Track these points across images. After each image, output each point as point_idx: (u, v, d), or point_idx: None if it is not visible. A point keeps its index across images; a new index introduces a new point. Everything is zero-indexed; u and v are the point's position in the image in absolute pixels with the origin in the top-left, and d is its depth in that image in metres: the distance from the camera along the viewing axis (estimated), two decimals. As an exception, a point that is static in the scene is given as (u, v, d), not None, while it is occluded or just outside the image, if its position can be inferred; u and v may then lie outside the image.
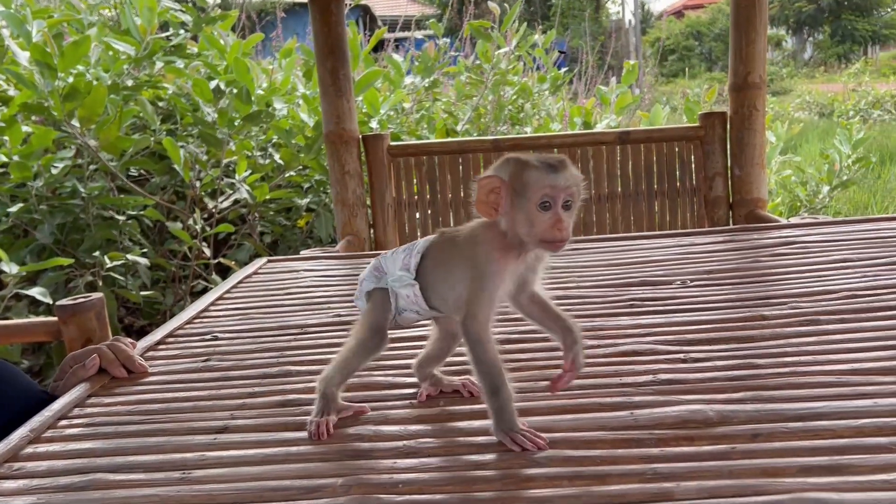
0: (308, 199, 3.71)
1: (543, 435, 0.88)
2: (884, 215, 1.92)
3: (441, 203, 2.95)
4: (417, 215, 2.99)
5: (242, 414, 1.05)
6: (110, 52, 3.37)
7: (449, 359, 1.08)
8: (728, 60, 2.77)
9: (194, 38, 3.74)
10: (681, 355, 1.12)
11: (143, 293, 3.06)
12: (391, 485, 0.82)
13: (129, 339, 1.32)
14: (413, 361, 1.09)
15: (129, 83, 3.37)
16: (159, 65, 3.47)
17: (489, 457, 0.86)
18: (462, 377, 1.08)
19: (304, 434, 0.96)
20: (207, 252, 3.22)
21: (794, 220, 2.25)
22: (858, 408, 0.90)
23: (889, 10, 25.46)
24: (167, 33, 3.55)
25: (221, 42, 3.60)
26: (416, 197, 2.98)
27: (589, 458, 0.85)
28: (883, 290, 1.33)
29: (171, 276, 3.41)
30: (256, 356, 1.28)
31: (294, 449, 0.93)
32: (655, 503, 0.75)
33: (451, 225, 2.93)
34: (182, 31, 3.49)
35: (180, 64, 3.46)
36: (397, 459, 0.88)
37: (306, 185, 3.80)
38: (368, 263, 1.08)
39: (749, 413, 0.91)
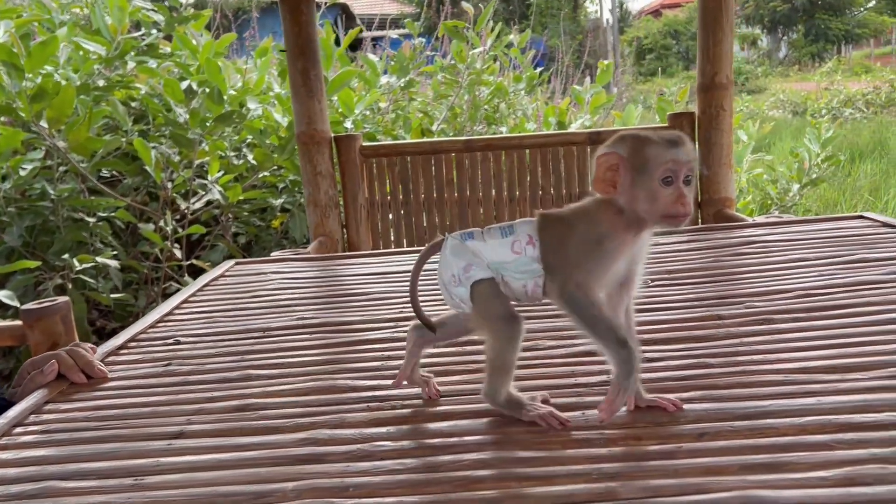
0: (282, 200, 3.70)
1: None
2: (844, 214, 1.95)
3: (414, 203, 2.95)
4: (390, 216, 2.99)
5: (199, 419, 1.05)
6: (80, 52, 3.34)
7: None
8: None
9: (168, 38, 3.72)
10: (637, 355, 1.14)
11: (113, 296, 3.03)
12: (341, 488, 0.83)
13: (89, 344, 1.32)
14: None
15: (101, 83, 3.35)
16: (132, 65, 3.44)
17: (441, 459, 0.87)
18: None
19: (259, 439, 0.97)
20: (178, 254, 3.20)
21: (759, 219, 2.28)
22: (803, 406, 0.92)
23: (862, 9, 25.83)
24: (139, 33, 3.53)
25: (194, 42, 3.58)
26: (388, 197, 2.98)
27: (539, 458, 0.86)
28: (835, 289, 1.35)
29: (144, 278, 3.38)
30: (217, 360, 1.28)
31: (248, 454, 0.93)
32: (600, 503, 0.76)
33: (424, 224, 2.94)
34: (154, 31, 3.47)
35: (153, 64, 3.43)
36: (350, 463, 0.89)
37: (281, 186, 3.79)
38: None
39: (697, 412, 0.93)
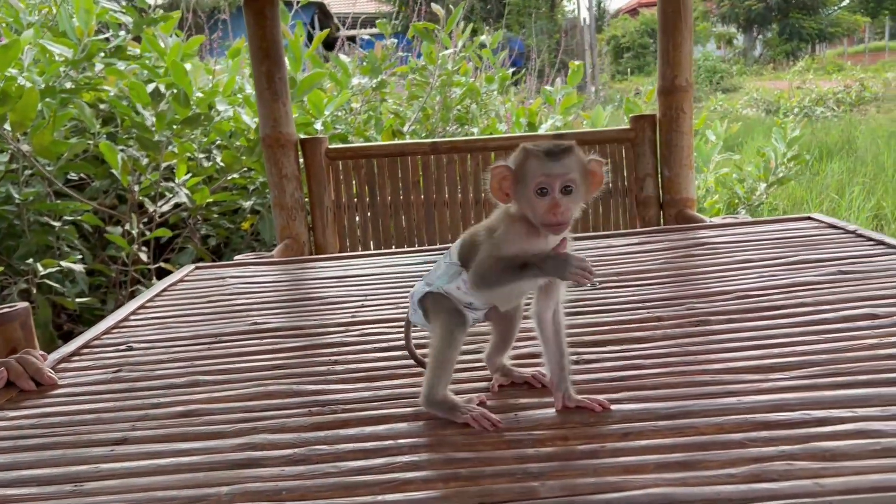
0: (252, 202, 3.70)
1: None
2: (793, 216, 2.00)
3: (381, 205, 2.97)
4: (357, 218, 3.01)
5: (143, 425, 1.06)
6: (46, 55, 3.32)
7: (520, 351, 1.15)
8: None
9: (138, 40, 3.70)
10: (574, 357, 1.17)
11: (80, 300, 3.03)
12: (275, 492, 0.85)
13: (40, 352, 1.33)
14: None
15: (68, 86, 3.33)
16: (100, 67, 3.43)
17: (372, 462, 0.90)
18: (532, 369, 1.11)
19: (200, 444, 0.99)
20: (144, 257, 3.20)
21: (715, 220, 2.33)
22: (723, 405, 0.96)
23: (835, 8, 26.18)
24: (107, 35, 3.51)
25: (162, 44, 3.57)
26: (355, 200, 3.00)
27: (468, 459, 0.89)
28: (772, 290, 1.40)
29: (113, 282, 3.37)
30: (166, 366, 1.29)
31: (187, 459, 0.95)
32: (521, 501, 0.79)
33: (391, 227, 2.96)
34: (122, 33, 3.46)
35: (122, 66, 3.42)
36: (285, 467, 0.91)
37: (251, 188, 3.79)
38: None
39: (624, 412, 0.96)
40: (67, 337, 3.31)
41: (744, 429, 0.90)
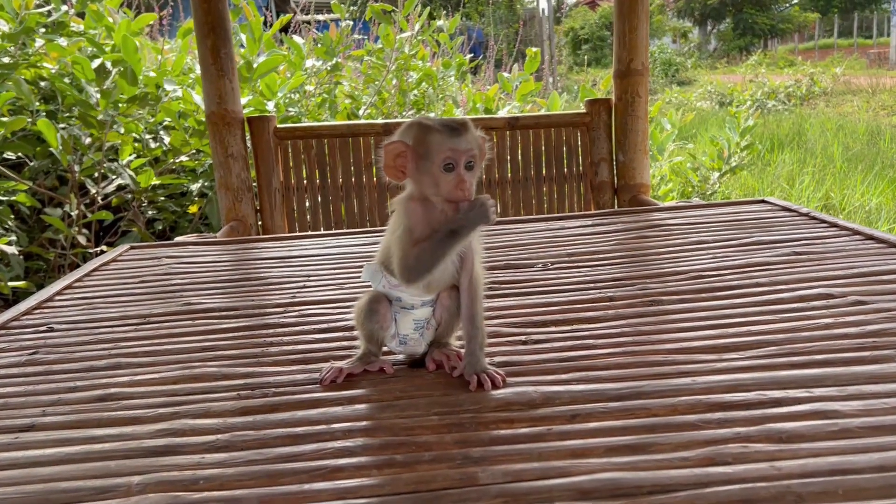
0: (200, 184, 3.57)
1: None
2: (746, 199, 1.98)
3: (332, 187, 2.88)
4: (307, 201, 2.91)
5: (55, 410, 0.98)
6: (-19, 28, 3.14)
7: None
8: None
9: (81, 16, 3.54)
10: (522, 338, 1.12)
11: (13, 284, 2.87)
12: (191, 481, 0.78)
13: None
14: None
15: (6, 61, 3.16)
16: (41, 42, 3.26)
17: (302, 448, 0.83)
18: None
19: (116, 430, 0.90)
20: (83, 240, 3.05)
21: (668, 204, 2.30)
22: (677, 386, 0.91)
23: (787, 5, 26.71)
24: (48, 8, 3.34)
25: (110, 20, 3.42)
26: (305, 181, 2.91)
27: (405, 444, 0.83)
28: (726, 271, 1.36)
29: (52, 266, 3.22)
30: (87, 348, 1.20)
31: (99, 447, 0.86)
32: (460, 488, 0.73)
33: (343, 210, 2.88)
34: (64, 7, 3.29)
35: (63, 42, 3.26)
36: (206, 454, 0.83)
37: (199, 170, 3.66)
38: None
39: (573, 394, 0.91)
40: (1, 323, 3.15)
41: (698, 410, 0.85)
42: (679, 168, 4.78)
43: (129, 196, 3.38)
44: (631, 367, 0.98)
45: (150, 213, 3.53)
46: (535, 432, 0.83)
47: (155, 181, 3.29)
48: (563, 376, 0.96)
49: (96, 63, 3.10)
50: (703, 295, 1.25)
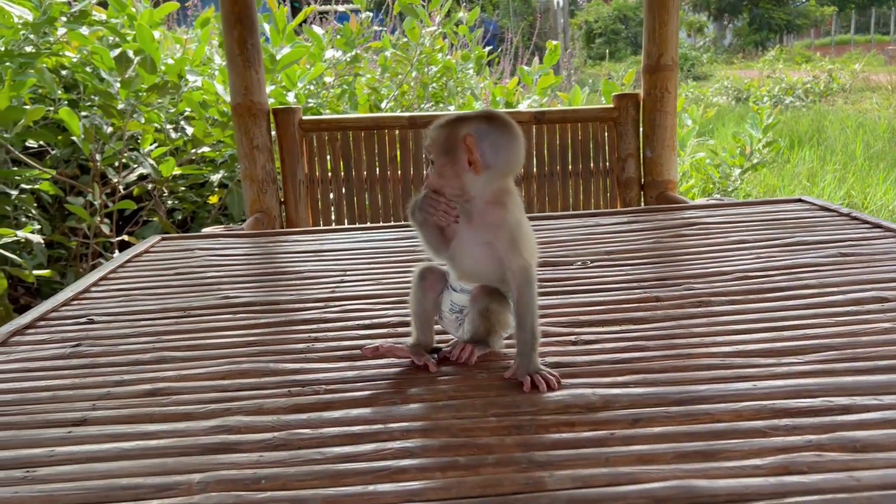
0: (221, 175, 3.56)
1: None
2: (783, 197, 1.95)
3: (356, 180, 2.87)
4: (331, 193, 2.90)
5: (105, 404, 0.97)
6: (5, 16, 3.14)
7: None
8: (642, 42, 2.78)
9: (103, 5, 3.53)
10: (572, 338, 1.10)
11: (38, 272, 2.88)
12: (253, 480, 0.77)
13: None
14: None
15: (29, 50, 3.15)
16: (63, 31, 3.26)
17: (361, 448, 0.82)
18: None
19: (168, 426, 0.90)
20: (106, 229, 3.05)
21: (700, 202, 2.28)
22: (738, 391, 0.89)
23: (803, 0, 26.46)
24: (70, -2, 3.34)
25: (133, 9, 3.41)
26: (329, 174, 2.89)
27: (466, 446, 0.81)
28: (773, 272, 1.34)
29: (73, 255, 3.22)
30: (131, 341, 1.19)
31: (154, 443, 0.86)
32: (527, 493, 0.72)
33: (367, 203, 2.86)
34: (86, -4, 3.29)
35: (85, 31, 3.25)
36: (264, 452, 0.82)
37: (220, 161, 3.66)
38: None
39: (632, 397, 0.90)
40: (24, 310, 3.16)
41: (763, 416, 0.83)
42: (700, 164, 4.74)
43: (151, 186, 3.37)
44: (688, 371, 0.96)
45: (169, 202, 3.53)
46: (598, 436, 0.82)
47: (176, 171, 3.29)
48: (620, 378, 0.95)
49: (116, 52, 3.09)
50: (752, 296, 1.23)
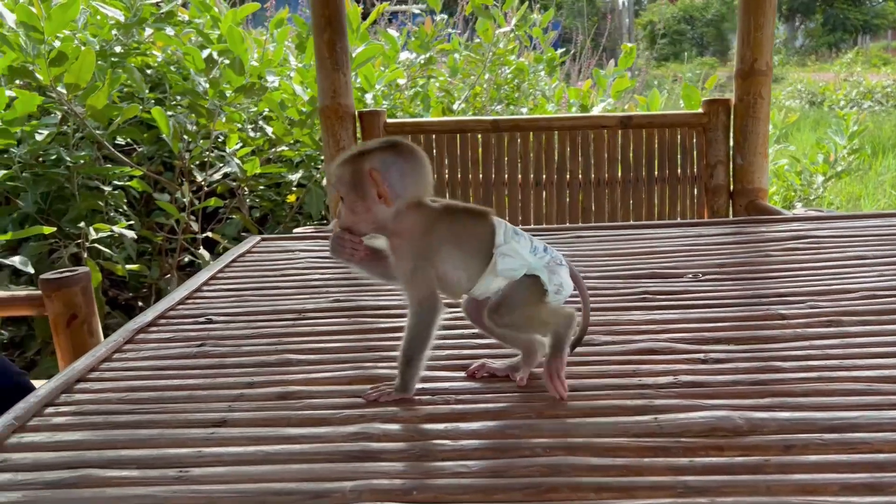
0: (299, 175, 3.62)
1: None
2: (892, 211, 1.87)
3: (438, 183, 2.88)
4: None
5: (240, 406, 0.99)
6: (98, 17, 3.26)
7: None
8: (733, 46, 2.71)
9: (184, 6, 3.63)
10: (700, 355, 1.08)
11: (128, 266, 2.98)
12: (404, 491, 0.77)
13: None
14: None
15: (118, 49, 3.27)
16: (148, 31, 3.36)
17: (508, 462, 0.81)
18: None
19: (307, 431, 0.91)
20: (195, 226, 3.14)
21: (798, 213, 2.21)
22: (894, 419, 0.86)
23: (880, 0, 25.45)
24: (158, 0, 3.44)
25: (216, 10, 3.49)
26: (411, 176, 2.90)
27: (614, 467, 0.80)
28: (904, 292, 1.29)
29: (158, 249, 3.32)
30: (253, 342, 1.22)
31: (297, 447, 0.87)
32: (689, 520, 0.71)
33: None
34: (177, -1, 3.39)
35: (170, 31, 3.35)
36: (408, 462, 0.83)
37: (297, 161, 3.72)
38: None
39: (780, 422, 0.87)
40: (113, 303, 3.27)
41: (928, 449, 0.80)
42: (780, 171, 4.61)
43: (234, 184, 3.45)
44: (832, 395, 0.93)
45: (248, 201, 3.61)
46: (752, 462, 0.79)
47: (258, 170, 3.36)
48: (762, 401, 0.92)
49: (204, 53, 3.17)
50: (886, 317, 1.18)
